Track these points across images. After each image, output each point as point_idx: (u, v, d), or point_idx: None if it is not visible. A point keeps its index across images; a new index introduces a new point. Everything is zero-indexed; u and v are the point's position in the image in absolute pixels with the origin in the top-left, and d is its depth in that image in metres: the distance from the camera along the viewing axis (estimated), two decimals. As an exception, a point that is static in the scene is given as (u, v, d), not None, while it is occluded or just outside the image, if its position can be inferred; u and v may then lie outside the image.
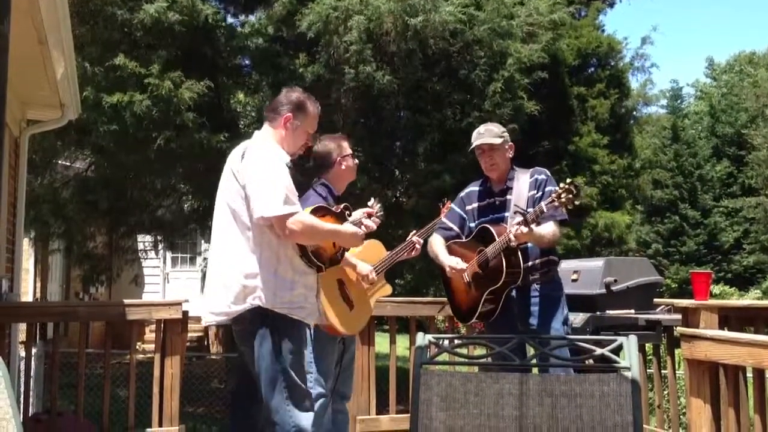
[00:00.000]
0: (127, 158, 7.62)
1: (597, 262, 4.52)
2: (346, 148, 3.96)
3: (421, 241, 4.08)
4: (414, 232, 4.15)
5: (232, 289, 2.98)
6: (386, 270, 4.07)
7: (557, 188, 3.32)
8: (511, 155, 3.80)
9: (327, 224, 3.11)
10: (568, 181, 3.31)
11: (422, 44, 7.55)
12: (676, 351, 4.45)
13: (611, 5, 13.45)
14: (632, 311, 4.41)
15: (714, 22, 68.43)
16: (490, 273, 3.58)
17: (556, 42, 9.28)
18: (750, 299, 19.61)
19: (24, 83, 4.65)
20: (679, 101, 35.56)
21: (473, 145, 3.79)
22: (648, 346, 5.00)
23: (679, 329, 3.90)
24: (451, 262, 3.70)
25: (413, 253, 4.10)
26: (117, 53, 7.03)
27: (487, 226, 3.63)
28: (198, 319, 4.00)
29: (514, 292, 3.63)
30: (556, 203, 3.27)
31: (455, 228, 3.88)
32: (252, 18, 8.76)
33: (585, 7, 12.33)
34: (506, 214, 3.67)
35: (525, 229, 3.31)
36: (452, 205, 3.98)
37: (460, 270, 3.66)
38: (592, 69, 12.12)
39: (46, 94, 4.76)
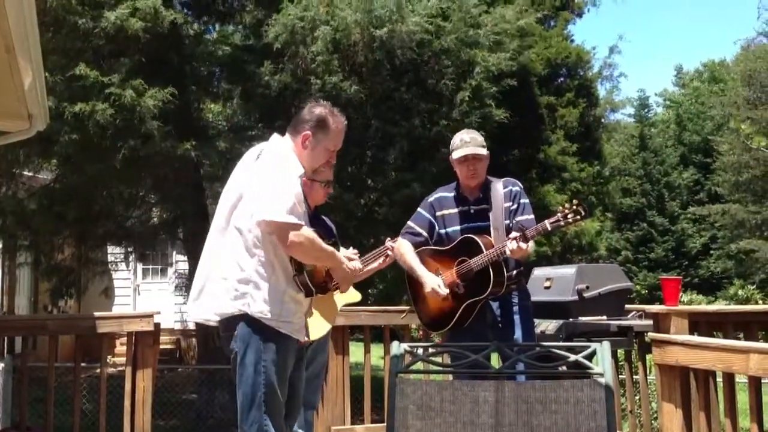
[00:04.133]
0: (93, 168, 7.52)
1: (569, 270, 4.54)
2: (321, 172, 3.71)
3: (394, 246, 3.90)
4: (389, 238, 3.98)
5: (224, 291, 2.88)
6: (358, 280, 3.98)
7: (563, 207, 3.27)
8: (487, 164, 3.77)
9: (327, 246, 2.98)
10: (575, 201, 3.25)
11: (390, 55, 7.58)
12: (648, 356, 4.50)
13: (580, 15, 13.63)
14: (604, 317, 4.44)
15: (681, 32, 69.64)
16: (473, 284, 3.54)
17: (524, 50, 9.36)
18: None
19: (-10, 94, 4.57)
20: (646, 110, 36.08)
21: (459, 154, 3.67)
22: (620, 352, 5.05)
23: (651, 335, 3.94)
24: (432, 283, 3.59)
25: (388, 260, 3.90)
26: (79, 62, 6.96)
27: (473, 236, 3.57)
28: (170, 331, 3.97)
29: (494, 302, 3.62)
30: (561, 222, 3.22)
31: (424, 233, 3.79)
32: (225, 28, 8.73)
33: (554, 19, 12.49)
34: (484, 224, 3.63)
35: (524, 246, 3.26)
36: (420, 210, 3.87)
37: (440, 295, 3.57)
38: (562, 78, 12.29)
39: (14, 104, 4.67)
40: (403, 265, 3.79)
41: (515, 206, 3.65)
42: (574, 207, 3.21)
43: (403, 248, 3.79)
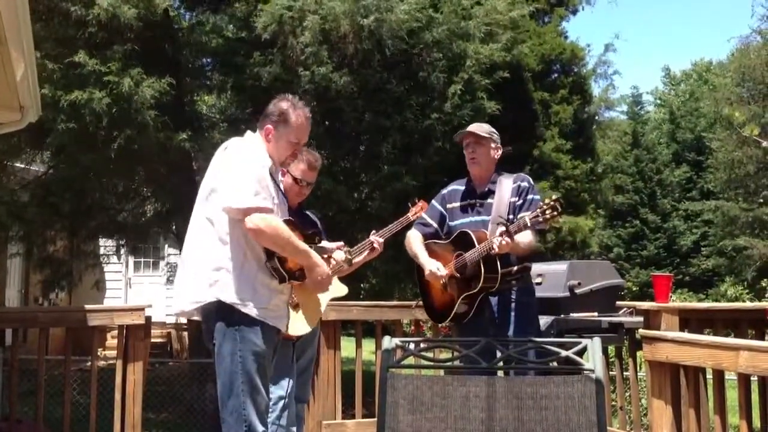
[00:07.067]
0: (87, 158, 7.47)
1: (561, 266, 4.57)
2: (304, 172, 3.80)
3: (381, 241, 3.96)
4: (374, 231, 4.03)
5: (199, 279, 2.94)
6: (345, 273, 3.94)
7: (542, 203, 3.32)
8: (496, 157, 3.80)
9: (297, 240, 3.00)
10: (554, 197, 3.29)
11: (379, 45, 7.53)
12: (638, 353, 4.52)
13: (574, 12, 13.61)
14: (595, 314, 4.46)
15: (671, 31, 69.70)
16: (467, 278, 3.59)
17: (517, 44, 9.32)
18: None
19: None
20: (639, 107, 36.14)
21: (458, 135, 3.82)
22: (611, 349, 5.07)
23: (641, 331, 3.96)
24: (431, 266, 3.69)
25: (373, 253, 3.98)
26: (75, 50, 6.90)
27: (467, 231, 3.63)
28: (161, 325, 3.96)
29: (491, 298, 3.64)
30: (540, 218, 3.27)
31: (434, 225, 3.87)
32: (217, 17, 8.68)
33: (548, 15, 12.48)
34: (487, 218, 3.66)
35: (508, 241, 3.32)
36: (433, 202, 3.95)
37: (440, 276, 3.66)
38: (556, 75, 12.27)
39: (5, 95, 4.65)
40: (410, 254, 3.87)
41: (521, 202, 3.68)
42: (552, 203, 3.25)
43: (411, 238, 3.89)
